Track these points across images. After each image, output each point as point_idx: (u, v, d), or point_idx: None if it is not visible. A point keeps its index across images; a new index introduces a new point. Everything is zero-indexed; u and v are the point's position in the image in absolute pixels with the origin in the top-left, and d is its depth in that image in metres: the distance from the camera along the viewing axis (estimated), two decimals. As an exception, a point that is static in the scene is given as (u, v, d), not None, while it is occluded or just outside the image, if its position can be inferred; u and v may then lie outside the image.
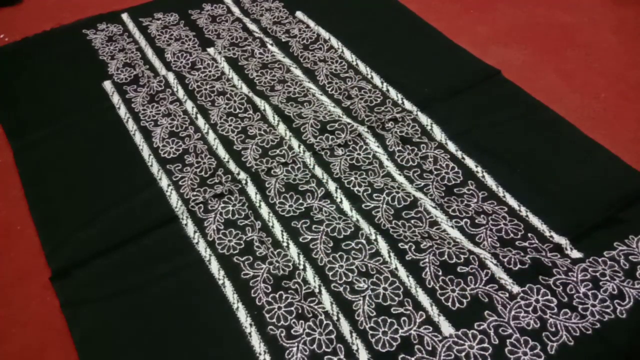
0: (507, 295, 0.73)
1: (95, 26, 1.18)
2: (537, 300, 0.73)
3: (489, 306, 0.72)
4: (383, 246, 0.79)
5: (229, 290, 0.75)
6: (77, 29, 1.18)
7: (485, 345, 0.69)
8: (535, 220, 0.82)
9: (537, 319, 0.71)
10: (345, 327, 0.71)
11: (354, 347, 0.69)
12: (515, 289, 0.74)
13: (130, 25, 1.19)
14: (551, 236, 0.80)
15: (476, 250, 0.78)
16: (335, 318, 0.72)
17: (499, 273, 0.76)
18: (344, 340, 0.70)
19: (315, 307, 0.73)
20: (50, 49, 1.13)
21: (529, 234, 0.80)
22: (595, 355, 0.68)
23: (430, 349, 0.69)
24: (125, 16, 1.21)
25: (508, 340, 0.69)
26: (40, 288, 0.76)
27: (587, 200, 0.84)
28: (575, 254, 0.78)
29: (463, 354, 0.68)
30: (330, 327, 0.71)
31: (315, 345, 0.70)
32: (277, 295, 0.74)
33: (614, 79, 1.04)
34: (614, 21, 1.17)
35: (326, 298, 0.74)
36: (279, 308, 0.73)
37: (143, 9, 1.23)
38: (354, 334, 0.71)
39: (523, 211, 0.83)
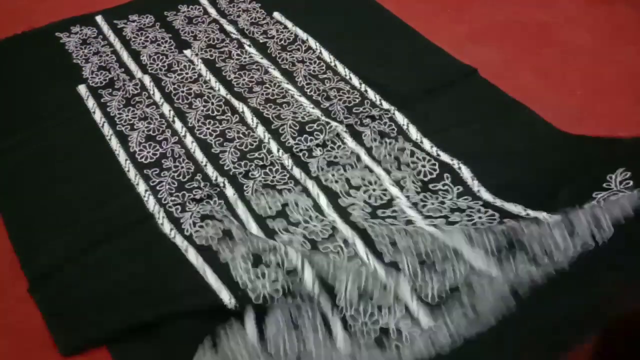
0: (488, 279, 0.71)
1: (68, 29, 1.16)
2: (516, 276, 0.71)
3: (467, 292, 0.71)
4: (361, 248, 0.78)
5: (210, 278, 0.73)
6: (50, 31, 1.16)
7: (463, 321, 0.68)
8: (510, 206, 0.81)
9: (515, 290, 0.70)
10: (326, 307, 0.70)
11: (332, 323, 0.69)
12: (495, 273, 0.72)
13: (105, 28, 1.17)
14: (527, 214, 0.80)
15: (451, 243, 0.76)
16: (316, 298, 0.71)
17: (479, 263, 0.73)
18: (325, 316, 0.69)
19: (297, 285, 0.71)
20: (22, 52, 1.11)
21: (505, 220, 0.79)
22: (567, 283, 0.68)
23: (411, 343, 0.68)
24: (99, 18, 1.19)
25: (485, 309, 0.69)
26: (16, 299, 0.74)
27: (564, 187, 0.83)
28: (555, 217, 0.76)
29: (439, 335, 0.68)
30: (309, 306, 0.70)
31: (291, 314, 0.68)
32: (259, 271, 0.73)
33: (590, 76, 1.06)
34: (588, 20, 1.18)
35: (308, 276, 0.72)
36: (263, 286, 0.71)
37: (118, 11, 1.21)
38: (335, 311, 0.70)
39: (498, 202, 0.82)
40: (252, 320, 0.68)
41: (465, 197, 0.85)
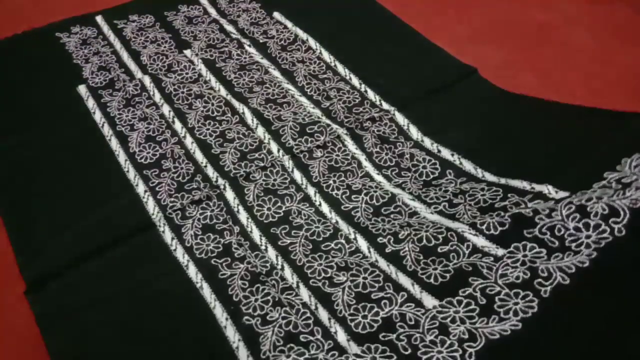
0: (492, 259, 0.71)
1: (68, 29, 1.16)
2: (524, 255, 0.69)
3: (473, 273, 0.70)
4: (362, 243, 0.79)
5: (206, 292, 0.74)
6: (50, 32, 1.15)
7: (472, 307, 0.67)
8: (515, 182, 0.80)
9: (526, 270, 0.67)
10: (323, 314, 0.71)
11: (332, 330, 0.69)
12: (500, 251, 0.71)
13: (105, 28, 1.17)
14: (532, 188, 0.78)
15: (453, 225, 0.76)
16: (313, 307, 0.71)
17: (481, 242, 0.73)
18: (321, 324, 0.69)
19: (293, 298, 0.72)
20: (22, 52, 1.11)
21: (509, 194, 0.79)
22: (593, 286, 0.64)
23: (412, 323, 0.67)
24: (99, 19, 1.19)
25: (497, 297, 0.67)
26: (15, 299, 0.74)
27: (572, 159, 0.82)
28: (561, 194, 0.75)
29: (448, 319, 0.66)
30: (308, 314, 0.71)
31: (291, 327, 0.69)
32: (254, 289, 0.73)
33: (590, 76, 1.06)
34: (589, 20, 1.18)
35: (304, 292, 0.73)
36: (256, 300, 0.72)
37: (118, 11, 1.21)
38: (332, 320, 0.70)
39: (503, 181, 0.82)
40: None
41: (470, 182, 0.85)
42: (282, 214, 0.83)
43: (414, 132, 0.94)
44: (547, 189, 0.77)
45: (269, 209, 0.84)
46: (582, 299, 0.65)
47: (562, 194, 0.75)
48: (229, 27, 1.17)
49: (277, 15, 1.20)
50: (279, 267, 0.76)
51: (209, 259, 0.77)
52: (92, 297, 0.73)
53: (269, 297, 0.72)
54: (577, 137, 0.87)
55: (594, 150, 0.81)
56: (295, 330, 0.68)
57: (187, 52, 1.11)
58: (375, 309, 0.70)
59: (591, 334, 0.62)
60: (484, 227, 0.75)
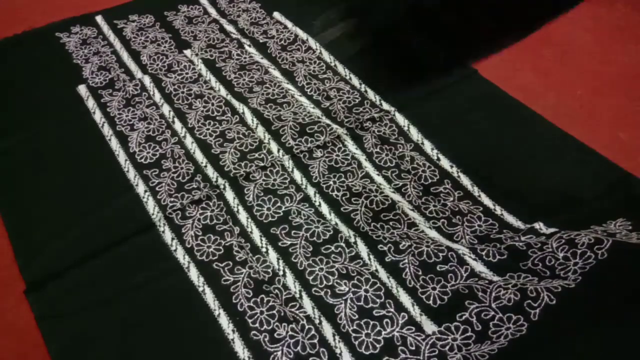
0: (487, 282, 0.73)
1: (68, 29, 1.16)
2: (518, 282, 0.72)
3: (469, 295, 0.73)
4: (362, 248, 0.79)
5: (209, 297, 0.74)
6: (50, 32, 1.15)
7: (469, 334, 0.69)
8: (510, 218, 0.82)
9: (517, 292, 0.70)
10: (327, 330, 0.71)
11: (337, 351, 0.69)
12: (496, 278, 0.74)
13: (105, 28, 1.17)
14: (525, 226, 0.81)
15: (454, 246, 0.78)
16: (317, 322, 0.72)
17: (479, 267, 0.75)
18: (327, 343, 0.70)
19: (297, 312, 0.73)
20: (22, 52, 1.11)
21: (504, 230, 0.81)
22: (578, 303, 0.67)
23: (413, 348, 0.69)
24: (99, 18, 1.19)
25: (491, 323, 0.69)
26: (15, 299, 0.74)
27: (565, 195, 0.85)
28: (551, 230, 0.78)
29: (447, 347, 0.68)
30: (313, 332, 0.71)
31: (299, 348, 0.69)
32: (258, 300, 0.74)
33: (590, 76, 1.06)
34: (588, 19, 1.18)
35: (307, 302, 0.74)
36: (261, 312, 0.72)
37: (118, 11, 1.21)
38: (337, 337, 0.70)
39: (498, 210, 0.84)
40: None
41: (467, 201, 0.85)
42: (281, 213, 0.83)
43: (415, 134, 0.94)
44: (539, 225, 0.80)
45: (268, 209, 0.84)
46: (566, 316, 0.68)
47: (552, 229, 0.78)
48: (229, 27, 1.17)
49: (277, 15, 1.20)
50: (281, 273, 0.77)
51: (210, 262, 0.78)
52: (92, 298, 0.73)
53: (274, 311, 0.72)
54: (570, 178, 0.88)
55: (585, 205, 0.83)
56: (304, 352, 0.69)
57: (187, 52, 1.11)
58: (378, 328, 0.71)
59: (572, 348, 0.65)
60: (483, 253, 0.77)
